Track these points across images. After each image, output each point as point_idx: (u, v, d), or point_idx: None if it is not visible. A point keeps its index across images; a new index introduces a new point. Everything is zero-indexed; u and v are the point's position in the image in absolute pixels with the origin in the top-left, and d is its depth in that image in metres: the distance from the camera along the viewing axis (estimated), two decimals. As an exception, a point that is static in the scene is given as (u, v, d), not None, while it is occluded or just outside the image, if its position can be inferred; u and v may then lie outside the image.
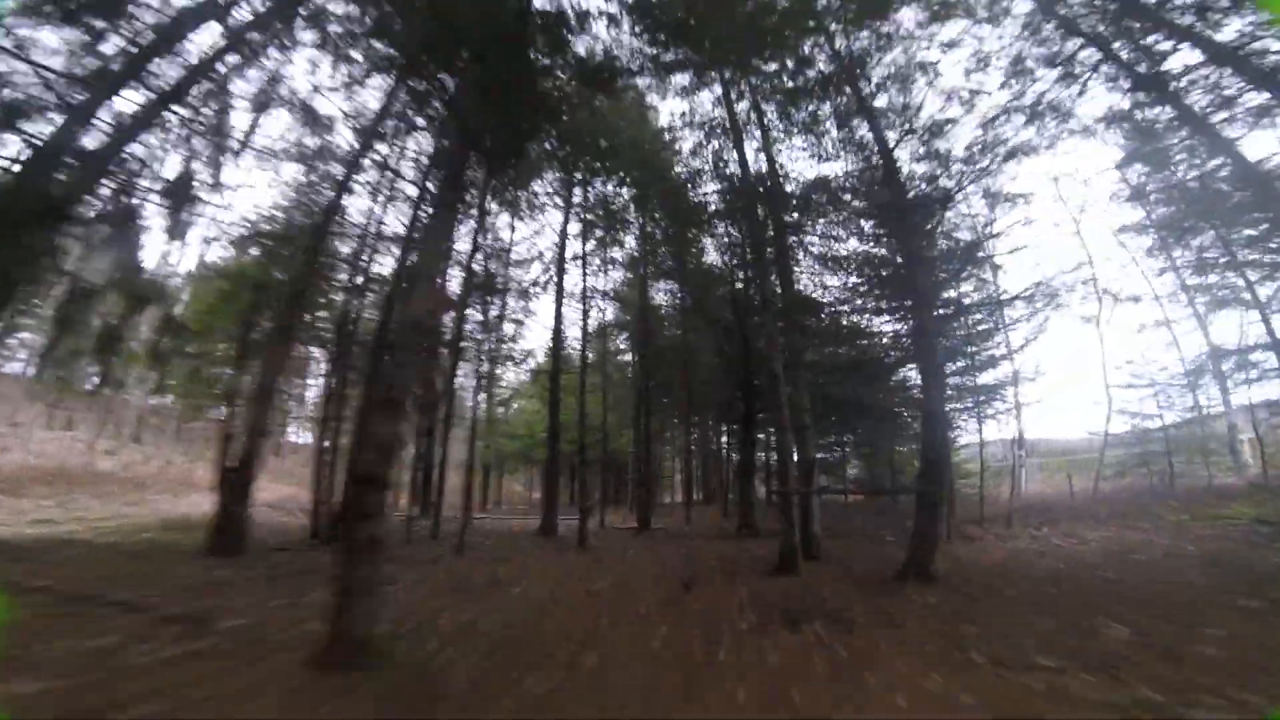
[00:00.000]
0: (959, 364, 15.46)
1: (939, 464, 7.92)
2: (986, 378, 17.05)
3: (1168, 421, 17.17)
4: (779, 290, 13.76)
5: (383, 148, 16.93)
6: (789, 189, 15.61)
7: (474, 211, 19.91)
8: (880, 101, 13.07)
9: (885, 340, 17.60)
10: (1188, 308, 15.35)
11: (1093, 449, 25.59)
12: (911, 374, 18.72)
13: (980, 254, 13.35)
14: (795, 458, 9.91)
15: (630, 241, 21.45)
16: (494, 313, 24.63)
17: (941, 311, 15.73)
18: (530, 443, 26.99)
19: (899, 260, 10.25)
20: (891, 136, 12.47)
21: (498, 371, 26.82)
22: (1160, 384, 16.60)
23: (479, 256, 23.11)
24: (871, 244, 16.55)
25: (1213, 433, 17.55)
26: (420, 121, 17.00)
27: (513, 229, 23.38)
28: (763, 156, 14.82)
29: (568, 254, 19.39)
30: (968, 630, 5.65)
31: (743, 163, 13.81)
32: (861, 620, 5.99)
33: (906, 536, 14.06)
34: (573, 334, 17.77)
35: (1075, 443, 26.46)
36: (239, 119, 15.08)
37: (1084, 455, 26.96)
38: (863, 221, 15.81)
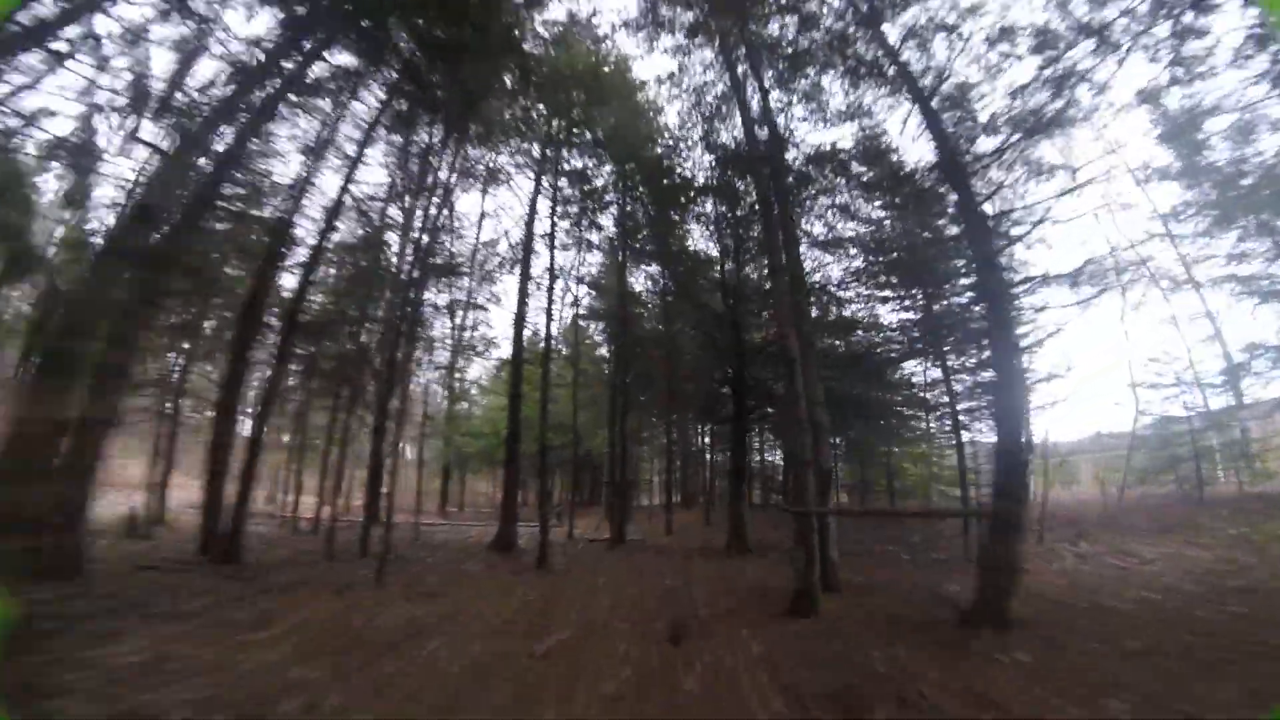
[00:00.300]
0: (980, 355, 13.62)
1: (1018, 474, 5.86)
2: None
3: (1184, 422, 15.68)
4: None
5: (323, 103, 14.48)
6: (793, 156, 13.60)
7: (431, 181, 17.56)
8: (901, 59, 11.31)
9: (892, 330, 15.78)
10: (1229, 299, 13.83)
11: (1091, 450, 24.31)
12: (914, 369, 16.98)
13: (1015, 228, 11.51)
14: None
15: (608, 223, 19.28)
16: (454, 296, 22.32)
17: (960, 299, 13.96)
18: (495, 441, 24.43)
19: (959, 220, 8.21)
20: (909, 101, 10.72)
21: (458, 362, 24.32)
22: (1187, 383, 15.07)
23: (437, 233, 20.78)
24: (874, 226, 14.75)
25: (1231, 437, 16.13)
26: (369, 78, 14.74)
27: (484, 200, 21.07)
28: (754, 126, 12.68)
29: (537, 230, 17.06)
30: (1116, 709, 3.70)
31: (747, 122, 11.68)
32: (947, 703, 3.92)
33: (915, 553, 12.34)
34: (541, 320, 15.38)
35: (1073, 445, 25.20)
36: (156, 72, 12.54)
37: (1080, 457, 25.71)
38: (873, 196, 13.98)
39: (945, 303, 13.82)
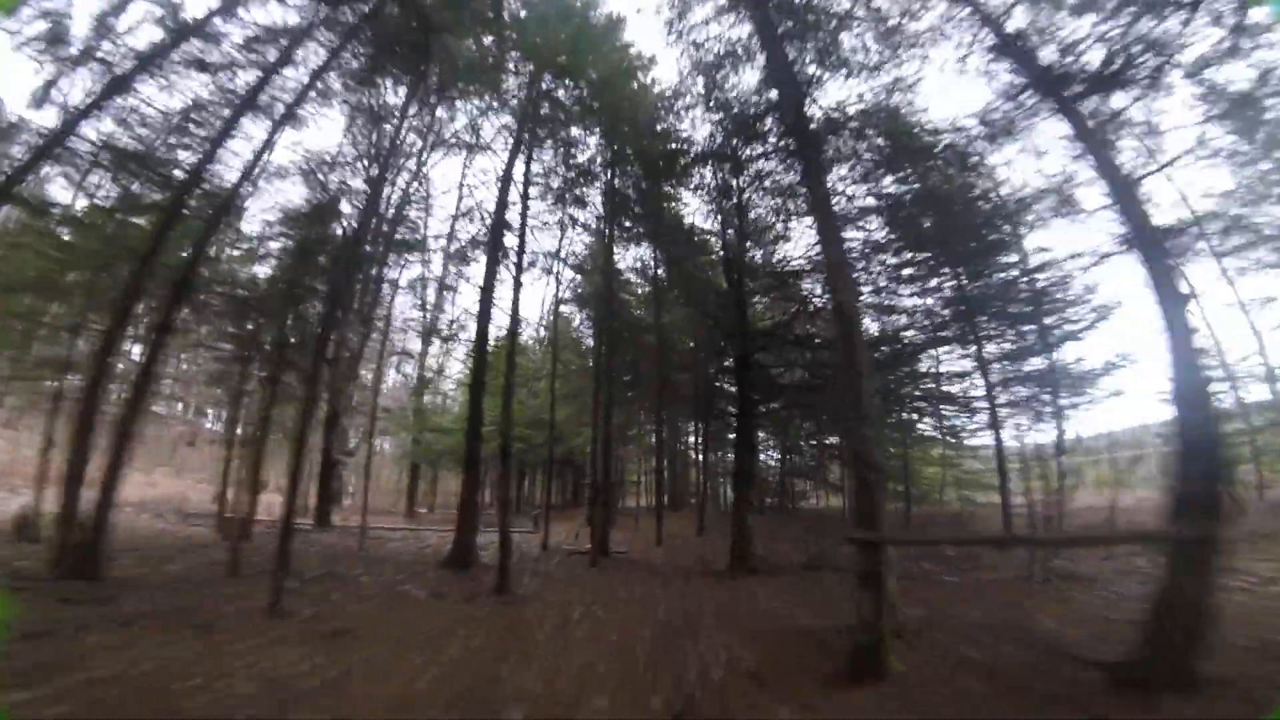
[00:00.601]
0: (1022, 339, 11.73)
1: (1212, 477, 3.87)
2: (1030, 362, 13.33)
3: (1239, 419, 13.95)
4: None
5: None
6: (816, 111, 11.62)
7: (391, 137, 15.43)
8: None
9: (914, 313, 13.79)
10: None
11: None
12: (934, 359, 15.00)
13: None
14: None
15: (594, 196, 17.19)
16: (425, 274, 20.09)
17: (1006, 274, 12.08)
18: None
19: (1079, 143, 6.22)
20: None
21: (427, 350, 22.06)
22: (1243, 376, 13.36)
23: (405, 203, 18.65)
24: (903, 192, 12.84)
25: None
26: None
27: (464, 175, 19.00)
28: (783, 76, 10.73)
29: (512, 197, 14.83)
30: None
31: (777, 68, 9.72)
32: None
33: (959, 572, 10.17)
34: (518, 301, 13.15)
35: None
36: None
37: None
38: (903, 158, 12.05)
39: (982, 281, 11.93)
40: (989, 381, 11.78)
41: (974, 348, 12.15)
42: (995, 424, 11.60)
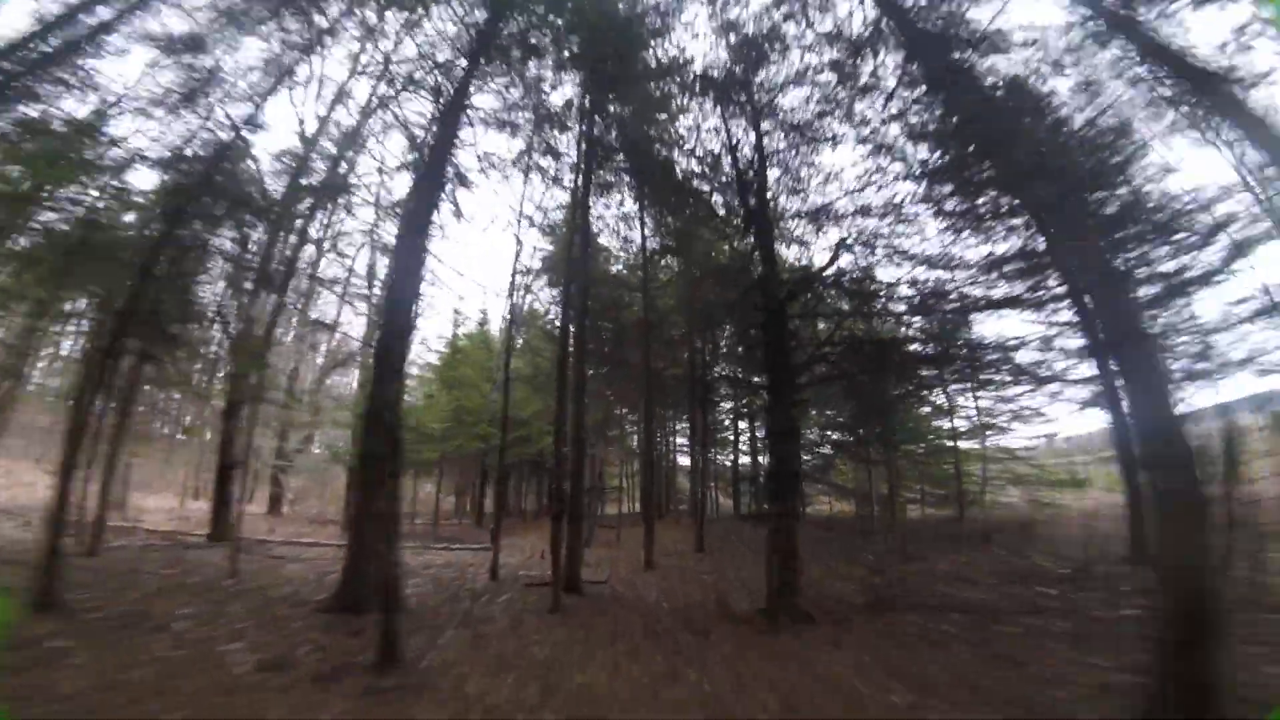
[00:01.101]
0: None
1: None
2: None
3: None
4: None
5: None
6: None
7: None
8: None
9: (971, 267, 10.76)
10: None
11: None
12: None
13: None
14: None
15: (569, 144, 13.77)
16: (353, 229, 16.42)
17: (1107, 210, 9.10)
18: (412, 436, 18.37)
19: None
20: None
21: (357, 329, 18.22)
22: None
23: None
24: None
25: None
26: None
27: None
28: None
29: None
30: None
31: None
32: None
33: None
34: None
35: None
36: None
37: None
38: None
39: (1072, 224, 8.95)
40: (1097, 344, 8.77)
41: (1066, 303, 9.14)
42: (1112, 397, 8.56)
